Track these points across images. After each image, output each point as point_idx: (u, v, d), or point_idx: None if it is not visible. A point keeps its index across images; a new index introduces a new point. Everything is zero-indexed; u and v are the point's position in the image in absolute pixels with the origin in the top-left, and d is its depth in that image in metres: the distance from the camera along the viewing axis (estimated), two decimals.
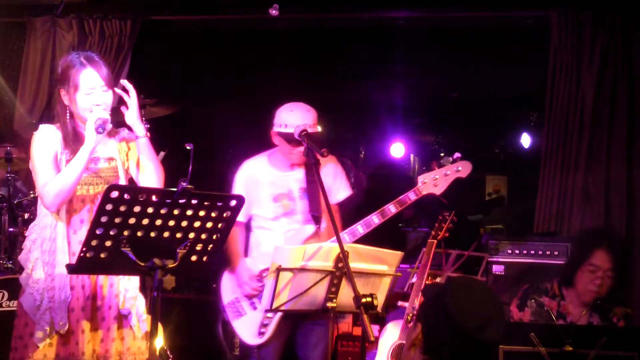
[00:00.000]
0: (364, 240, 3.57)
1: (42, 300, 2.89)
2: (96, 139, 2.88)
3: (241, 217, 3.83)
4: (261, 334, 3.64)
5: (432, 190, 3.72)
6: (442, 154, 8.51)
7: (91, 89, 2.93)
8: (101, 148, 3.03)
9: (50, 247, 2.92)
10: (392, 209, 3.66)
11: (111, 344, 2.95)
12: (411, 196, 3.68)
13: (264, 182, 3.79)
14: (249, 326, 3.71)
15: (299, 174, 3.79)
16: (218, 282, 3.93)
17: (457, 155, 3.75)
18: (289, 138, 3.62)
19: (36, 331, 2.87)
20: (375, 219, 3.65)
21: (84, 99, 2.94)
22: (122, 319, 3.00)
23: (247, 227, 3.92)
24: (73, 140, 2.96)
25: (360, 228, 3.66)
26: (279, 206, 3.76)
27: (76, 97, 2.95)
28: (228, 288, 3.82)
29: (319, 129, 3.69)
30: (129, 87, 3.00)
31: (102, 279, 2.97)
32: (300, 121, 3.62)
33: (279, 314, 3.60)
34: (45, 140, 2.96)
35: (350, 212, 4.11)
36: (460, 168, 3.73)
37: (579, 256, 3.60)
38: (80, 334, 2.90)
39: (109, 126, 2.93)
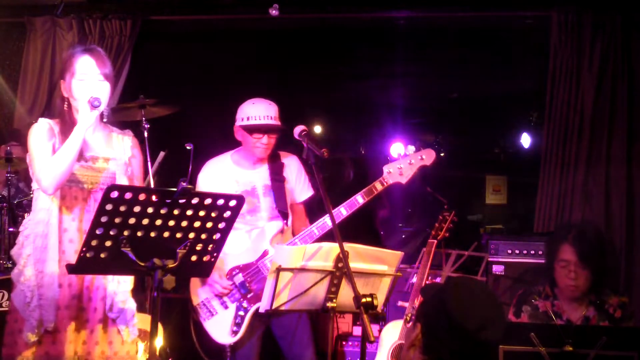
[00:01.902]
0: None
1: (32, 298, 2.88)
2: (90, 116, 2.88)
3: None
4: (234, 332, 3.65)
5: (398, 179, 3.75)
6: (442, 154, 8.53)
7: (84, 74, 2.94)
8: (99, 146, 3.03)
9: (42, 243, 2.91)
10: (359, 199, 3.68)
11: (94, 346, 2.94)
12: (377, 186, 3.71)
13: (228, 180, 3.81)
14: (221, 326, 3.70)
15: (263, 171, 3.83)
16: (187, 284, 3.91)
17: (418, 144, 3.78)
18: (251, 129, 3.70)
19: (25, 328, 2.87)
20: (343, 211, 3.67)
21: (77, 84, 2.94)
22: (109, 322, 2.99)
23: None
24: (70, 132, 2.94)
25: (328, 221, 3.64)
26: None
27: (72, 84, 2.95)
28: (197, 288, 3.78)
29: (279, 122, 3.76)
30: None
31: (89, 280, 2.96)
32: (263, 112, 3.73)
33: (251, 312, 3.61)
34: (43, 132, 2.97)
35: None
36: (424, 156, 3.77)
37: (550, 254, 3.63)
38: (67, 332, 2.90)
39: (104, 106, 2.92)
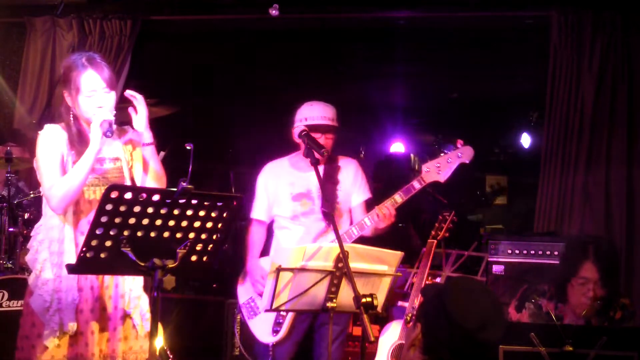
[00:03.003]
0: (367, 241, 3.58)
1: (52, 302, 2.88)
2: (101, 141, 2.88)
3: (263, 217, 3.94)
4: (275, 332, 3.70)
5: (436, 178, 3.74)
6: (441, 154, 8.53)
7: (92, 92, 2.93)
8: (106, 148, 3.03)
9: (58, 248, 2.91)
10: (397, 198, 3.69)
11: (117, 343, 2.96)
12: (415, 185, 3.71)
13: (284, 182, 3.87)
14: (263, 325, 3.75)
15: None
16: (235, 283, 3.97)
17: (459, 142, 3.78)
18: (312, 129, 3.69)
19: (45, 332, 2.87)
20: (381, 210, 3.67)
21: (85, 101, 2.93)
22: (127, 318, 3.01)
23: (270, 229, 3.99)
24: (78, 141, 2.95)
25: (367, 221, 3.71)
26: (297, 205, 3.82)
27: (78, 100, 2.94)
28: (244, 288, 3.90)
29: (336, 123, 3.79)
30: (138, 96, 3.00)
31: (108, 280, 2.97)
32: (321, 113, 3.76)
33: (291, 312, 3.62)
34: (51, 141, 2.95)
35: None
36: (461, 154, 3.79)
37: (567, 271, 3.52)
38: (89, 335, 2.91)
39: (114, 127, 2.93)
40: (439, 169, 3.74)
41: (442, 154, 3.78)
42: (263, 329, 3.76)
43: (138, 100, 3.00)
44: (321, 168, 3.80)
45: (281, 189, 3.87)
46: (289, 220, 3.85)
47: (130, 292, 3.01)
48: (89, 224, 2.88)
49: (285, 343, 3.74)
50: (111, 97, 2.97)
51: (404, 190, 3.70)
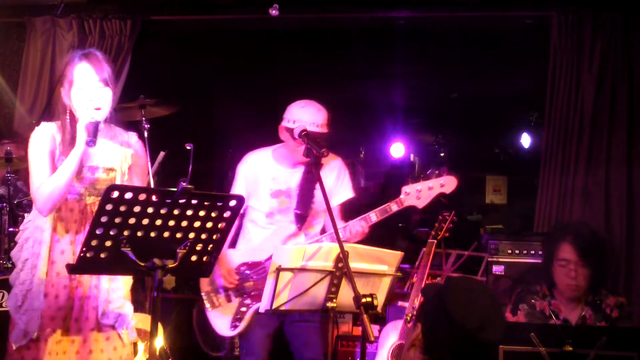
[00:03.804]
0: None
1: (24, 302, 2.88)
2: (84, 144, 2.84)
3: None
4: (234, 326, 3.66)
5: (414, 203, 3.61)
6: (442, 154, 8.53)
7: (85, 84, 2.89)
8: (101, 155, 3.00)
9: (39, 250, 2.91)
10: (372, 217, 3.61)
11: (88, 355, 2.92)
12: (393, 207, 3.61)
13: (265, 177, 3.78)
14: (222, 318, 3.71)
15: (300, 171, 3.78)
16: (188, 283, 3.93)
17: (444, 170, 3.67)
18: (295, 134, 3.61)
19: (13, 331, 2.88)
20: (356, 227, 3.59)
21: (77, 94, 2.90)
22: (107, 328, 2.97)
23: (241, 216, 3.88)
24: (70, 142, 2.91)
25: (340, 233, 3.62)
26: (275, 202, 3.75)
27: (71, 93, 2.92)
28: (207, 278, 3.76)
29: (325, 129, 3.68)
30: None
31: (81, 290, 2.94)
32: (310, 119, 3.62)
33: (252, 309, 3.61)
34: (43, 140, 2.93)
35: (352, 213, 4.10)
36: (444, 185, 3.61)
37: (548, 253, 3.64)
38: (54, 344, 2.88)
39: (106, 112, 2.88)
40: (419, 194, 3.60)
41: (424, 179, 3.64)
42: (222, 321, 3.71)
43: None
44: (303, 167, 3.76)
45: (261, 183, 3.76)
46: (263, 215, 3.76)
47: (107, 304, 2.96)
48: (66, 233, 2.89)
49: (254, 337, 3.69)
50: (106, 93, 2.91)
51: (381, 210, 3.60)
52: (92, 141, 2.82)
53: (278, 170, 3.79)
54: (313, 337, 3.72)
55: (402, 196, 3.62)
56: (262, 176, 3.78)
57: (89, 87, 2.90)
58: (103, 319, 2.95)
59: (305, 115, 3.64)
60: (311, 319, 3.67)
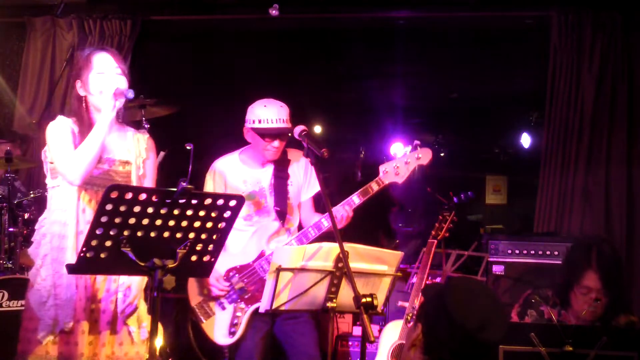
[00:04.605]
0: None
1: (49, 297, 2.88)
2: (114, 107, 2.88)
3: None
4: (232, 333, 3.64)
5: (394, 179, 3.69)
6: (442, 154, 8.53)
7: (104, 69, 2.96)
8: (117, 148, 3.03)
9: (59, 244, 2.92)
10: (355, 199, 3.65)
11: (101, 348, 2.93)
12: (373, 186, 3.66)
13: (236, 180, 3.78)
14: (219, 327, 3.68)
15: (271, 170, 3.79)
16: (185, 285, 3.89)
17: (416, 142, 3.73)
18: (263, 133, 3.65)
19: (39, 327, 2.87)
20: (341, 212, 3.62)
21: (96, 79, 2.95)
22: (119, 323, 2.98)
23: None
24: (89, 132, 2.93)
25: (324, 222, 3.64)
26: (250, 204, 3.75)
27: (89, 79, 2.96)
28: (195, 289, 3.76)
29: (290, 125, 3.69)
30: None
31: (100, 282, 2.97)
32: (275, 116, 3.67)
33: (248, 313, 3.60)
34: (62, 128, 2.95)
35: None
36: (420, 155, 3.71)
37: (570, 279, 3.46)
38: (80, 334, 2.90)
39: (130, 94, 2.90)
40: (397, 170, 3.67)
41: (401, 155, 3.72)
42: (218, 331, 3.67)
43: None
44: (272, 166, 3.77)
45: (233, 187, 3.75)
46: (241, 219, 3.72)
47: (124, 298, 2.98)
48: (87, 224, 2.90)
49: (247, 343, 3.66)
50: (123, 81, 2.98)
51: (362, 191, 3.65)
52: (128, 90, 2.87)
53: (247, 172, 3.80)
54: (307, 332, 3.72)
55: (380, 175, 3.67)
56: (233, 180, 3.78)
57: (108, 73, 2.97)
58: (120, 313, 2.97)
59: (270, 113, 3.68)
60: (300, 315, 3.66)
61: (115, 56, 3.02)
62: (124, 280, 3.00)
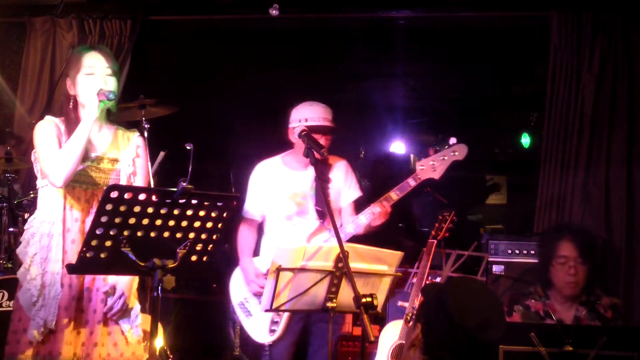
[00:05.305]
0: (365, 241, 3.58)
1: (39, 297, 2.88)
2: (98, 107, 2.88)
3: (256, 216, 3.92)
4: (272, 331, 3.70)
5: (431, 175, 3.79)
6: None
7: (93, 68, 2.93)
8: (106, 146, 3.02)
9: (48, 243, 2.91)
10: (393, 195, 3.72)
11: (93, 348, 2.92)
12: (411, 182, 3.75)
13: (278, 182, 3.88)
14: (260, 325, 3.74)
15: (311, 172, 3.84)
16: (226, 283, 3.96)
17: (452, 140, 3.81)
18: (312, 129, 3.67)
19: (30, 328, 2.86)
20: (377, 208, 3.70)
21: (84, 80, 2.94)
22: (112, 323, 2.97)
23: (260, 228, 3.98)
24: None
25: (363, 217, 3.73)
26: (292, 205, 3.84)
27: (77, 80, 2.95)
28: (236, 288, 3.89)
29: (333, 124, 3.81)
30: None
31: (89, 282, 2.95)
32: (322, 115, 3.78)
33: (288, 313, 3.63)
34: (48, 128, 2.95)
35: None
36: (456, 152, 3.83)
37: (547, 253, 3.65)
38: (70, 333, 2.89)
39: (111, 96, 2.90)
40: (433, 167, 3.79)
41: (436, 152, 3.84)
42: (259, 329, 3.76)
43: None
44: (312, 167, 3.80)
45: (275, 189, 3.88)
46: (283, 219, 3.87)
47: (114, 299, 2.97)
48: (75, 221, 2.90)
49: (282, 343, 3.74)
50: (113, 81, 2.96)
51: (400, 187, 3.74)
52: (110, 92, 2.87)
53: (290, 174, 3.90)
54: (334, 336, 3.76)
55: (417, 171, 3.78)
56: (276, 182, 3.89)
57: (98, 73, 2.94)
58: (113, 314, 2.96)
59: (316, 112, 3.79)
60: (335, 320, 3.70)
61: (106, 55, 2.98)
62: (111, 279, 2.98)
